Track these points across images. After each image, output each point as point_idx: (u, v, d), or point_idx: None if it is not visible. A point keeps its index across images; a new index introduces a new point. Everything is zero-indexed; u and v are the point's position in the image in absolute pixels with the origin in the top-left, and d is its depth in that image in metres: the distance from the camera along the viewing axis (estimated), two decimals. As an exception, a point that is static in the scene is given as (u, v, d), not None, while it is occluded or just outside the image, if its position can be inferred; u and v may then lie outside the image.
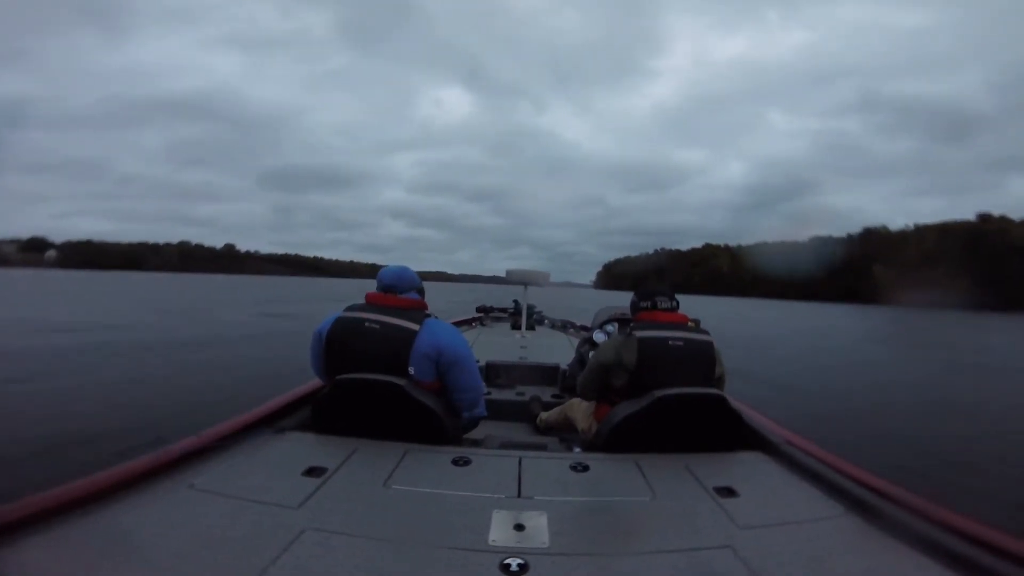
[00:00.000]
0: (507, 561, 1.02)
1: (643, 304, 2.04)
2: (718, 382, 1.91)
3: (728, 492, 1.38)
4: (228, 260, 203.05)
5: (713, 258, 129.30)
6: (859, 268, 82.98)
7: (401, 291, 1.86)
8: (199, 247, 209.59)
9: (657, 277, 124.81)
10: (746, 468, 1.61)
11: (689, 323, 2.00)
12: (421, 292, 1.94)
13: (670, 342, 1.86)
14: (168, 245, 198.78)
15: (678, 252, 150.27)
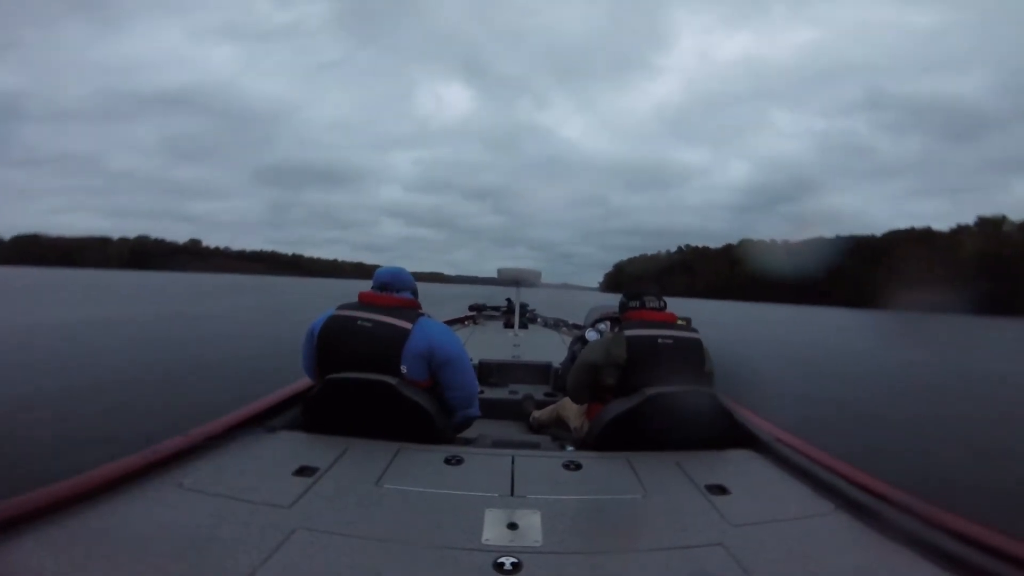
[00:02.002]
0: (500, 560, 1.02)
1: (631, 304, 2.07)
2: (707, 379, 1.93)
3: (719, 490, 1.39)
4: (189, 256, 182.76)
5: (761, 255, 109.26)
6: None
7: (396, 291, 1.87)
8: (158, 242, 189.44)
9: (688, 277, 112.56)
10: (737, 466, 1.62)
11: (679, 321, 2.02)
12: (415, 293, 1.95)
13: (659, 340, 1.88)
14: (124, 239, 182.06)
15: (706, 249, 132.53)
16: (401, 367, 1.70)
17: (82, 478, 1.18)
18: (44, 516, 1.05)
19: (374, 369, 1.68)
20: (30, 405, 4.63)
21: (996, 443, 5.09)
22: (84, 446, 3.44)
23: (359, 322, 1.74)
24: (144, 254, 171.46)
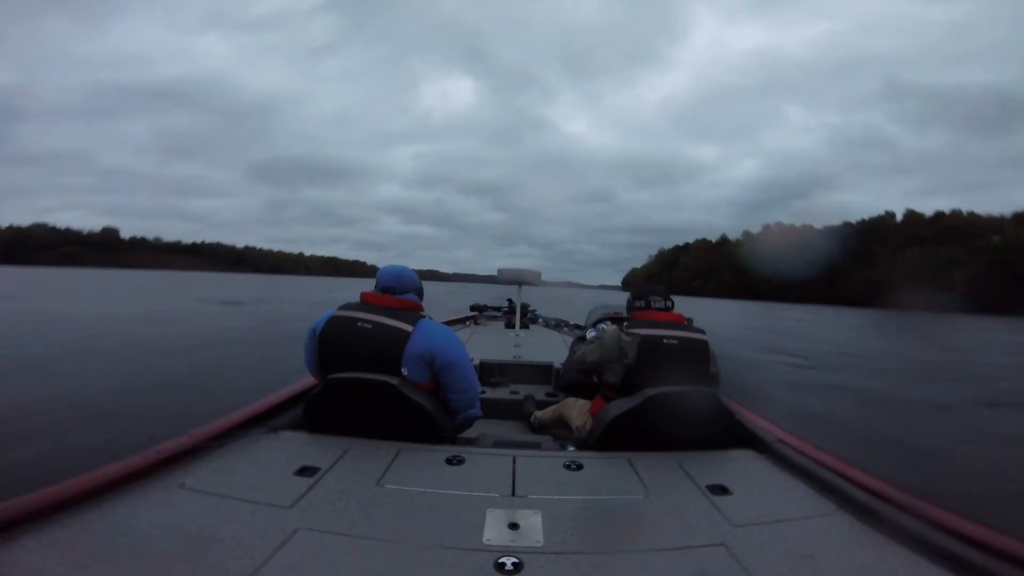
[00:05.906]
0: (502, 560, 1.02)
1: (637, 304, 2.10)
2: (713, 380, 1.93)
3: (721, 490, 1.39)
4: (96, 249, 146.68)
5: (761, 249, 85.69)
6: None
7: (399, 292, 1.85)
8: (53, 230, 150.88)
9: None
10: (739, 466, 1.62)
11: (683, 321, 2.03)
12: (420, 294, 1.94)
13: (665, 340, 1.89)
14: (11, 228, 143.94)
15: (808, 230, 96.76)
16: (402, 369, 1.70)
17: (84, 478, 1.18)
18: (46, 516, 1.06)
19: (375, 370, 1.67)
20: (31, 406, 4.63)
21: (999, 443, 5.08)
22: (86, 447, 3.44)
23: (359, 323, 1.73)
24: (24, 247, 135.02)
